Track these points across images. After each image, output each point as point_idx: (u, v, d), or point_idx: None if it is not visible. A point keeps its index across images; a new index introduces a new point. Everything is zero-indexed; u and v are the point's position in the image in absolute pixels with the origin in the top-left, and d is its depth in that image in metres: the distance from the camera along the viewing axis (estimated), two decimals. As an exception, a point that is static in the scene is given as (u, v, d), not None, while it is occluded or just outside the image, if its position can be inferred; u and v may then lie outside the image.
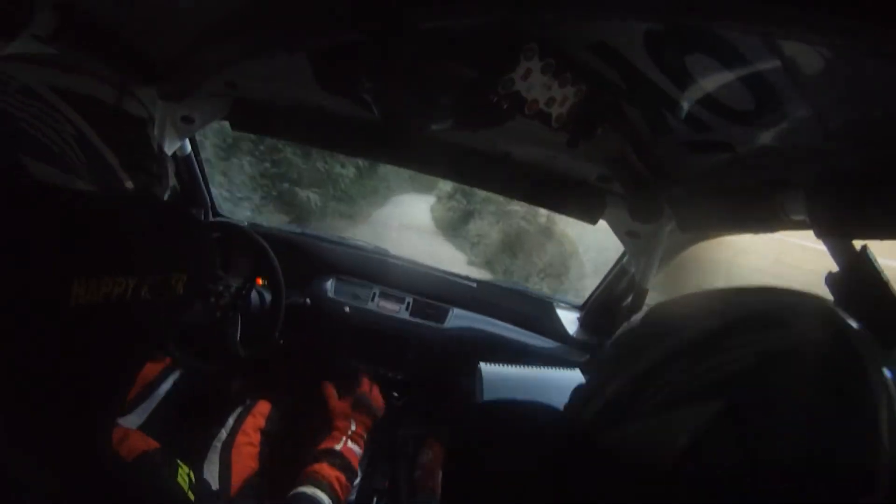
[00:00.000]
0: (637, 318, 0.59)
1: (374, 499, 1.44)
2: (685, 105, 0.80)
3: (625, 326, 0.60)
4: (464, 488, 0.48)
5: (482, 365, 1.39)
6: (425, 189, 9.75)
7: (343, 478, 1.09)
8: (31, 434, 0.51)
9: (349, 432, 1.23)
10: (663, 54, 0.70)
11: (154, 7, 0.90)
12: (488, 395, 1.33)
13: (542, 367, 1.42)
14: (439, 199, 9.44)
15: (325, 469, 1.08)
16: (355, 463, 1.18)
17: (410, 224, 7.83)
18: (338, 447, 1.17)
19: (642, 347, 0.52)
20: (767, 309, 0.47)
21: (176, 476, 0.68)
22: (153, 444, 0.69)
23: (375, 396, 1.36)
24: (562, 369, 1.42)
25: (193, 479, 0.70)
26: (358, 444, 1.23)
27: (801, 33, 0.46)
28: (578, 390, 0.63)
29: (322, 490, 1.02)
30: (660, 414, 0.47)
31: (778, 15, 0.44)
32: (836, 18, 0.41)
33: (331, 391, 1.33)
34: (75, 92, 0.58)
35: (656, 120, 0.89)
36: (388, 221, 7.46)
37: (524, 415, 0.52)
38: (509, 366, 1.42)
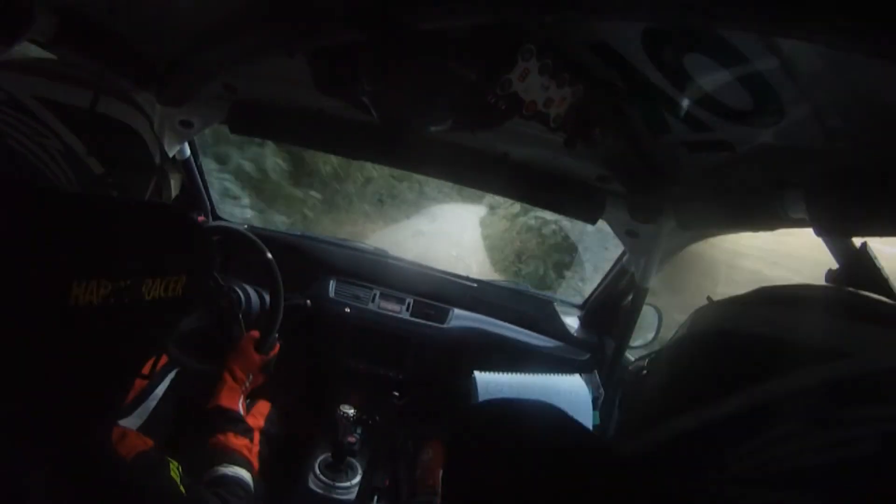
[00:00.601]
0: (708, 321, 0.48)
1: (375, 497, 1.44)
2: (684, 105, 0.80)
3: (688, 331, 0.50)
4: (464, 487, 0.48)
5: (476, 373, 1.39)
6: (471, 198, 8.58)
7: (248, 442, 1.07)
8: (31, 434, 0.51)
9: (244, 386, 1.21)
10: (662, 54, 0.70)
11: (153, 10, 0.90)
12: (476, 397, 1.34)
13: (538, 374, 1.42)
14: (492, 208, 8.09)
15: (232, 440, 1.05)
16: (254, 422, 1.16)
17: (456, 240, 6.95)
18: (238, 409, 1.14)
19: (727, 381, 0.42)
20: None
21: (169, 471, 0.69)
22: (149, 442, 0.70)
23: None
24: (560, 375, 1.41)
25: (182, 472, 0.71)
26: (246, 398, 1.21)
27: (801, 33, 0.46)
28: (629, 401, 0.56)
29: (240, 465, 1.00)
30: (745, 487, 0.39)
31: (777, 15, 0.44)
32: (836, 18, 0.41)
33: (250, 341, 1.29)
34: (62, 103, 0.57)
35: (655, 120, 0.89)
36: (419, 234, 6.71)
37: (525, 413, 0.52)
38: (504, 373, 1.41)
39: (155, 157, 0.70)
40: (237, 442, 1.05)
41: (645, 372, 0.55)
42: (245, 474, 0.98)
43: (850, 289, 0.45)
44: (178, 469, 0.71)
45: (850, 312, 0.40)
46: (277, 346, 1.35)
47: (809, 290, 0.46)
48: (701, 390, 0.43)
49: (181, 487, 0.69)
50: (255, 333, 1.30)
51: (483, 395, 1.34)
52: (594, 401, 1.41)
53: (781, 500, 0.37)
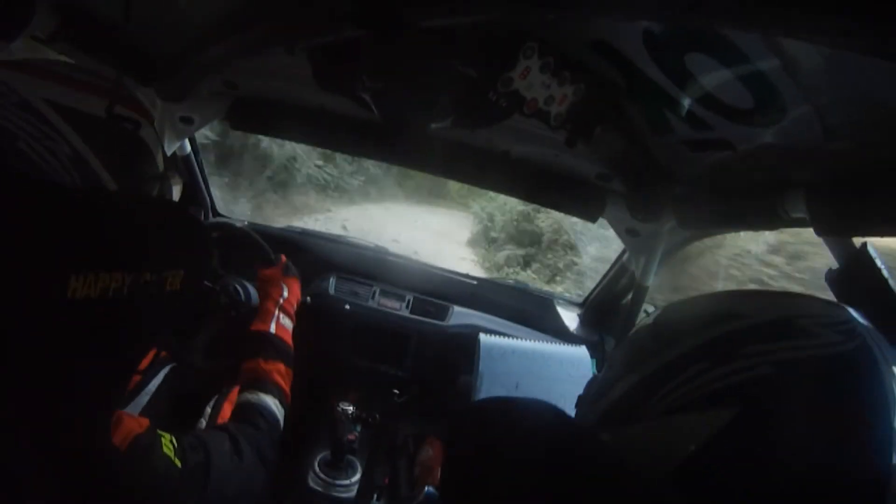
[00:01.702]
0: (649, 318, 0.59)
1: (375, 495, 1.45)
2: (685, 103, 0.80)
3: (638, 326, 0.60)
4: (463, 485, 0.48)
5: (482, 336, 1.39)
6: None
7: (282, 367, 1.05)
8: (29, 428, 0.51)
9: (281, 301, 1.20)
10: (663, 52, 0.70)
11: (153, 7, 0.90)
12: (485, 366, 1.33)
13: (543, 342, 1.42)
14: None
15: (261, 365, 1.03)
16: (290, 340, 1.14)
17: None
18: (271, 329, 1.12)
19: (653, 349, 0.52)
20: (786, 315, 0.47)
21: (162, 448, 0.69)
22: (144, 422, 0.70)
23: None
24: (565, 345, 1.41)
25: (176, 444, 0.71)
26: (289, 317, 1.19)
27: (802, 33, 0.46)
28: (590, 386, 0.63)
29: (266, 391, 0.98)
30: (668, 417, 0.47)
31: (778, 15, 0.44)
32: (836, 19, 0.41)
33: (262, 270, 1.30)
34: (74, 108, 0.58)
35: (656, 118, 0.89)
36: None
37: (523, 411, 0.52)
38: (509, 338, 1.41)
39: (159, 166, 0.70)
40: (266, 367, 1.03)
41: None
42: (269, 401, 0.97)
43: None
44: (171, 441, 0.71)
45: (743, 292, 0.57)
46: (283, 257, 1.36)
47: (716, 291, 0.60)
48: (639, 358, 0.54)
49: (176, 461, 0.69)
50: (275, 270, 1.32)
51: (486, 359, 1.33)
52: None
53: (698, 421, 0.45)
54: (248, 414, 0.94)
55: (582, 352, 1.40)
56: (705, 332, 0.49)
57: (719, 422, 0.44)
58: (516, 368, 1.32)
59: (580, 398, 0.64)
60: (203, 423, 1.20)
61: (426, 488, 1.21)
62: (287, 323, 1.19)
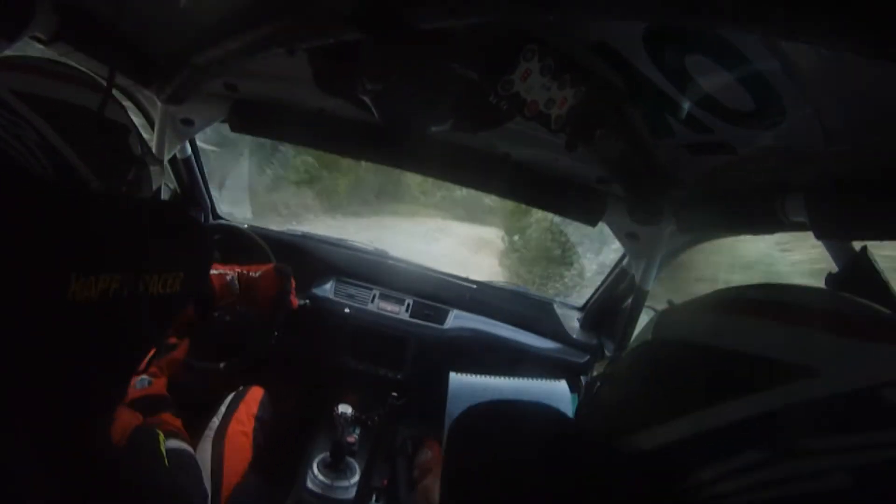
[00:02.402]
0: (666, 335, 0.46)
1: (373, 497, 1.44)
2: (686, 106, 0.80)
3: (650, 340, 0.47)
4: (463, 487, 0.48)
5: (452, 375, 1.32)
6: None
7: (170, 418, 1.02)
8: (29, 428, 0.51)
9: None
10: (664, 55, 0.70)
11: (154, 8, 0.90)
12: (452, 406, 1.25)
13: (519, 379, 1.33)
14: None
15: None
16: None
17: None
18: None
19: (680, 396, 0.40)
20: (870, 385, 0.33)
21: (158, 445, 0.70)
22: (139, 416, 0.70)
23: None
24: (543, 380, 1.34)
25: (166, 442, 0.73)
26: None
27: (802, 35, 0.46)
28: (591, 405, 0.55)
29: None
30: None
31: (778, 16, 0.44)
32: (836, 19, 0.41)
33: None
34: (40, 95, 0.57)
35: (656, 121, 0.89)
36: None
37: (523, 414, 0.52)
38: (481, 377, 1.33)
39: (134, 148, 0.69)
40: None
41: (599, 384, 0.53)
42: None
43: (839, 293, 0.43)
44: (163, 440, 0.72)
45: (822, 322, 0.37)
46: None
47: (769, 292, 0.43)
48: (661, 407, 0.42)
49: (165, 460, 0.70)
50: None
51: (454, 401, 1.26)
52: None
53: None
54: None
55: (561, 387, 1.31)
56: (755, 400, 0.35)
57: None
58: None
59: (580, 407, 0.57)
60: (216, 421, 1.19)
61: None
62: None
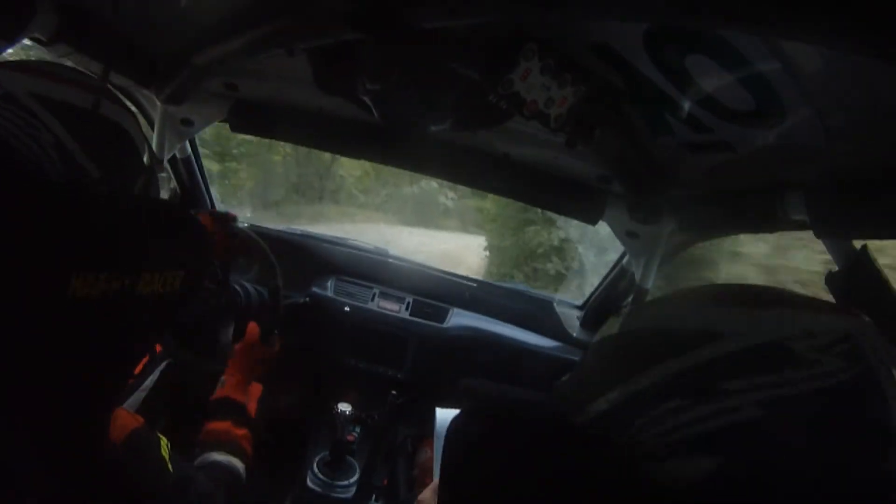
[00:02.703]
0: (623, 320, 0.52)
1: (373, 496, 1.44)
2: (685, 106, 0.80)
3: (610, 327, 0.53)
4: (460, 486, 0.48)
5: (438, 411, 1.19)
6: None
7: (249, 434, 1.05)
8: (28, 426, 0.51)
9: (249, 377, 1.20)
10: (664, 55, 0.70)
11: (154, 8, 0.90)
12: (439, 441, 1.11)
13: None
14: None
15: (232, 430, 1.03)
16: (251, 407, 1.15)
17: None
18: (243, 400, 1.13)
19: (620, 369, 0.46)
20: (775, 338, 0.39)
21: (159, 449, 0.69)
22: (139, 419, 0.70)
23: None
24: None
25: (171, 449, 0.72)
26: (252, 385, 1.20)
27: (802, 35, 0.46)
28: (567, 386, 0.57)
29: (236, 455, 0.98)
30: (644, 459, 0.42)
31: (778, 16, 0.44)
32: (836, 20, 0.41)
33: (255, 333, 1.28)
34: (55, 99, 0.58)
35: (656, 121, 0.89)
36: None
37: (522, 412, 0.52)
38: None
39: (143, 157, 0.70)
40: (236, 431, 1.04)
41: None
42: (238, 464, 0.98)
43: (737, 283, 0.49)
44: (167, 446, 0.71)
45: (726, 299, 0.45)
46: (279, 339, 1.35)
47: (708, 285, 0.51)
48: (601, 384, 0.47)
49: (169, 465, 0.69)
50: (255, 326, 1.30)
51: (441, 431, 1.22)
52: None
53: (672, 471, 0.40)
54: (218, 472, 0.94)
55: None
56: (681, 359, 0.41)
57: (695, 476, 0.39)
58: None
59: (556, 387, 0.58)
60: None
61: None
62: (252, 391, 1.20)
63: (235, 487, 0.94)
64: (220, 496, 0.84)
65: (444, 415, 1.17)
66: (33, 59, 0.69)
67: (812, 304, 0.43)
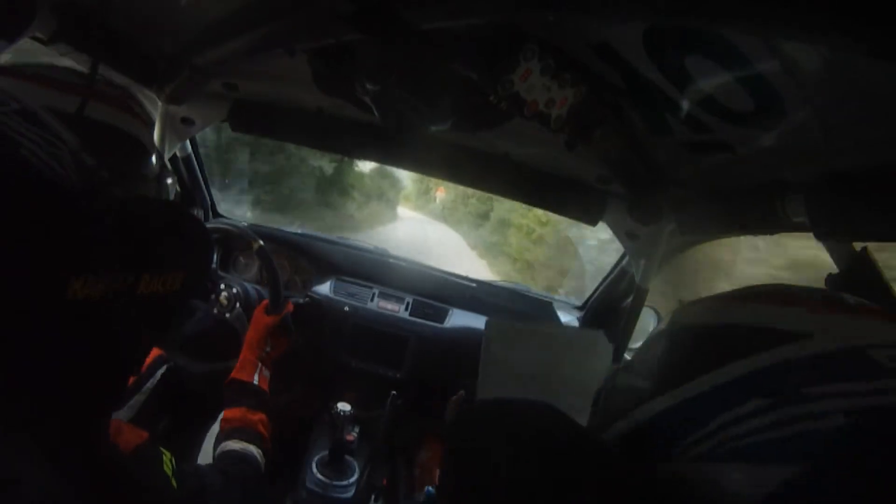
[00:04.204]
0: (677, 319, 0.50)
1: (373, 496, 1.44)
2: (685, 106, 0.80)
3: (662, 328, 0.51)
4: (461, 487, 0.48)
5: (488, 319, 1.17)
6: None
7: (265, 418, 1.05)
8: (29, 428, 0.51)
9: (264, 355, 1.19)
10: (663, 55, 0.70)
11: (154, 8, 0.90)
12: (486, 351, 1.08)
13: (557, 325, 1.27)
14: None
15: (247, 416, 1.03)
16: (267, 389, 1.15)
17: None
18: (255, 380, 1.13)
19: (689, 368, 0.44)
20: (856, 345, 0.38)
21: (162, 465, 0.69)
22: (144, 434, 0.70)
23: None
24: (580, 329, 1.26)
25: (174, 465, 0.71)
26: (269, 368, 1.19)
27: (801, 34, 0.46)
28: (609, 392, 0.56)
29: (250, 441, 0.98)
30: (708, 465, 0.40)
31: (777, 16, 0.44)
32: (835, 19, 0.41)
33: (260, 308, 1.28)
34: (74, 114, 0.59)
35: (656, 121, 0.89)
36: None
37: (522, 414, 0.52)
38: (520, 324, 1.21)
39: (156, 167, 0.72)
40: (251, 417, 1.04)
41: (616, 374, 0.56)
42: (254, 450, 0.98)
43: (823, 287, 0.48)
44: (170, 461, 0.71)
45: (814, 301, 0.43)
46: (290, 304, 1.34)
47: (776, 286, 0.49)
48: (670, 377, 0.45)
49: (173, 481, 0.69)
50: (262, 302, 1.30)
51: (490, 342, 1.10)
52: None
53: (749, 474, 0.38)
54: (234, 461, 0.94)
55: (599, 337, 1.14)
56: (756, 358, 0.40)
57: (773, 482, 0.37)
58: (523, 353, 1.08)
59: (597, 399, 0.58)
60: (217, 426, 1.19)
61: (426, 489, 1.18)
62: (267, 374, 1.19)
63: (253, 477, 0.94)
64: (235, 495, 0.84)
65: (493, 322, 1.13)
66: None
67: (879, 311, 0.42)
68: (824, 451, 0.36)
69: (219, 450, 0.97)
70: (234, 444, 0.97)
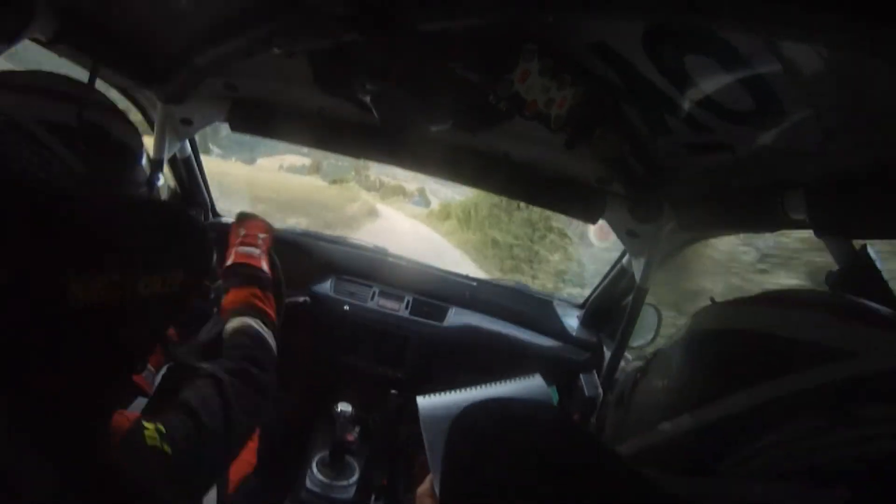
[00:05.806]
0: (707, 326, 0.48)
1: (372, 496, 1.44)
2: (685, 106, 0.80)
3: (695, 331, 0.49)
4: (461, 487, 0.48)
5: (419, 398, 1.17)
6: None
7: (258, 291, 1.01)
8: (31, 431, 0.51)
9: (238, 240, 1.15)
10: (663, 55, 0.70)
11: (154, 8, 0.90)
12: (426, 432, 0.92)
13: (488, 385, 1.22)
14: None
15: (230, 296, 1.00)
16: (259, 264, 1.09)
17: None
18: (228, 262, 1.08)
19: (730, 380, 0.42)
20: None
21: (145, 440, 0.68)
22: (132, 416, 0.70)
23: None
24: (515, 381, 1.21)
25: (164, 430, 0.70)
26: (252, 245, 1.14)
27: (801, 33, 0.46)
28: (620, 404, 0.54)
29: (243, 315, 0.96)
30: (755, 483, 0.39)
31: (777, 15, 0.44)
32: (835, 19, 0.41)
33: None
34: (63, 124, 0.59)
35: (656, 121, 0.89)
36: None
37: (522, 414, 0.52)
38: (448, 393, 1.21)
39: (146, 169, 0.72)
40: (238, 294, 1.01)
41: (639, 374, 0.55)
42: (250, 321, 0.95)
43: (850, 295, 0.47)
44: (157, 430, 0.69)
45: (853, 316, 0.42)
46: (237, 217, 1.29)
47: (812, 294, 0.48)
48: (712, 387, 0.44)
49: (165, 448, 0.68)
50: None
51: (427, 422, 1.10)
52: (590, 400, 1.39)
53: (800, 495, 0.37)
54: (231, 340, 0.92)
55: (537, 383, 1.17)
56: (814, 373, 0.38)
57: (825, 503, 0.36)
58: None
59: (622, 421, 0.55)
60: None
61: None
62: (249, 250, 1.12)
63: (256, 345, 0.92)
64: (242, 392, 0.83)
65: (425, 403, 1.10)
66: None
67: None
68: (876, 474, 0.35)
69: (227, 328, 0.94)
70: (226, 325, 0.94)
